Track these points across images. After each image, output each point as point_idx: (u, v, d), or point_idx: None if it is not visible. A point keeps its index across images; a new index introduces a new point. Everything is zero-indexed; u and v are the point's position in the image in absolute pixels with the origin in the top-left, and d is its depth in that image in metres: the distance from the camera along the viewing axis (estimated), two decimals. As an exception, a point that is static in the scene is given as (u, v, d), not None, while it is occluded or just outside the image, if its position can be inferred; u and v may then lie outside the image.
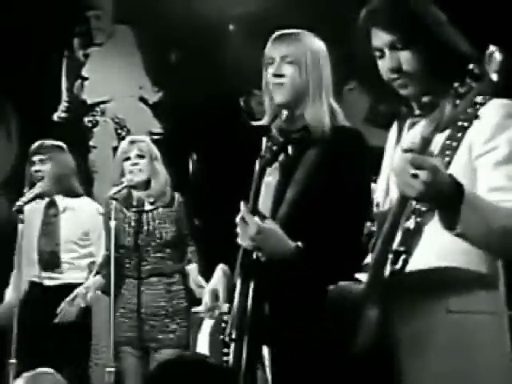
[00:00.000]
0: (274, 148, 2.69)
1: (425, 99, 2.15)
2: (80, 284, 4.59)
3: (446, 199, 1.86)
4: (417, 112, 2.17)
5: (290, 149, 2.77)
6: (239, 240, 2.63)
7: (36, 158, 4.66)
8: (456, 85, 1.86)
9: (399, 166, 1.85)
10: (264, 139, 2.73)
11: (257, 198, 2.66)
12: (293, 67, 2.74)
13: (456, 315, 2.03)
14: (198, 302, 4.65)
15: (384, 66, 2.13)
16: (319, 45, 2.81)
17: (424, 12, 2.12)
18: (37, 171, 4.64)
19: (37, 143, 4.73)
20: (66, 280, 4.63)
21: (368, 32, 2.15)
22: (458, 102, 1.85)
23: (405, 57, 2.10)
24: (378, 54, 2.14)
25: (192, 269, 4.50)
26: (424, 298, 2.04)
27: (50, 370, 3.31)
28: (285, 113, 2.77)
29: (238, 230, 2.62)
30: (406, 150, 1.85)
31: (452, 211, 1.87)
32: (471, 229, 1.89)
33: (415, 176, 1.81)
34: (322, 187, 2.66)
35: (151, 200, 4.42)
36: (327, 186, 2.66)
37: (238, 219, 2.62)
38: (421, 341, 2.04)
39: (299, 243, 2.62)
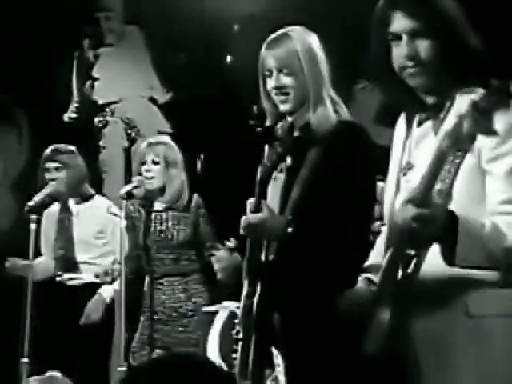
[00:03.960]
0: (274, 158, 2.71)
1: (430, 100, 2.14)
2: (101, 284, 4.61)
3: (441, 236, 1.92)
4: (425, 115, 2.16)
5: (289, 159, 2.79)
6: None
7: (51, 166, 4.63)
8: (476, 99, 1.84)
9: (402, 219, 1.92)
10: (266, 147, 2.76)
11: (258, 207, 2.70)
12: (291, 78, 2.74)
13: (475, 319, 2.02)
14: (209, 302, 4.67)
15: (399, 52, 2.10)
16: (311, 40, 2.80)
17: (451, 5, 2.10)
18: (52, 179, 4.62)
19: (50, 149, 4.69)
20: (85, 280, 4.65)
21: (387, 15, 2.11)
22: (477, 116, 1.83)
23: (423, 45, 2.07)
24: (393, 39, 2.11)
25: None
26: (441, 302, 2.04)
27: (59, 374, 3.32)
28: (288, 120, 2.79)
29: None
30: (408, 201, 1.91)
31: (447, 249, 1.92)
32: (469, 260, 1.93)
33: (416, 227, 1.89)
34: (326, 184, 2.67)
35: (163, 206, 4.41)
36: (331, 182, 2.66)
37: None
38: (440, 345, 2.03)
39: (289, 216, 2.65)
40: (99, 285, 4.60)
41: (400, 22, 2.09)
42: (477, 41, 2.10)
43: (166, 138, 4.58)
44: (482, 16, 2.26)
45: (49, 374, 3.44)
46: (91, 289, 4.59)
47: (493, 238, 1.95)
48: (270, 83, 2.77)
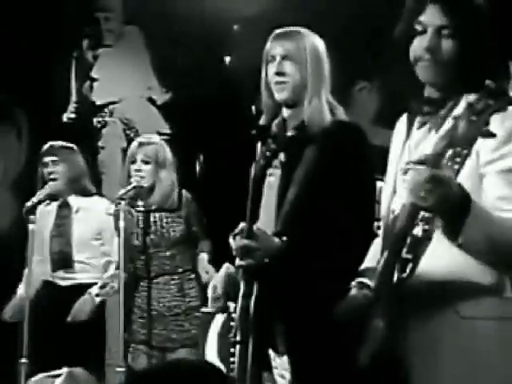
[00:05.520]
0: (268, 154, 2.71)
1: (435, 95, 2.15)
2: (94, 284, 4.61)
3: (453, 210, 1.89)
4: (426, 109, 2.17)
5: (282, 155, 2.79)
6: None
7: (48, 160, 4.67)
8: (472, 100, 1.84)
9: (413, 180, 1.88)
10: (259, 144, 2.76)
11: (254, 213, 2.69)
12: (293, 65, 2.76)
13: (468, 321, 2.02)
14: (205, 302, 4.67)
15: (421, 42, 2.10)
16: (318, 42, 2.84)
17: (484, 9, 2.09)
18: (50, 173, 4.65)
19: (48, 144, 4.74)
20: (79, 280, 4.65)
21: (422, 4, 2.10)
22: (474, 118, 1.84)
23: (446, 44, 2.07)
24: (419, 28, 2.10)
25: (202, 258, 4.46)
26: (434, 305, 2.04)
27: (81, 369, 3.32)
28: (285, 112, 2.79)
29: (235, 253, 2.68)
30: (420, 162, 1.88)
31: (456, 222, 1.89)
32: (474, 241, 1.91)
33: (429, 190, 1.84)
34: (322, 185, 2.67)
35: (154, 207, 4.42)
36: (328, 182, 2.67)
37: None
38: (432, 348, 2.03)
39: (284, 238, 2.65)
40: (93, 285, 4.61)
41: (432, 15, 2.08)
42: (497, 46, 2.10)
43: (157, 138, 4.59)
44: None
45: (66, 369, 3.45)
46: (85, 289, 4.60)
47: (501, 230, 1.94)
48: (271, 69, 2.78)
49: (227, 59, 6.16)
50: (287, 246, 2.64)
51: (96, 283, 4.60)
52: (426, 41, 2.08)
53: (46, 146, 4.74)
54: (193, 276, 4.42)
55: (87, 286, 4.60)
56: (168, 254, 4.37)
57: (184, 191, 4.46)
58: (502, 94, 1.83)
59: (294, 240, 2.64)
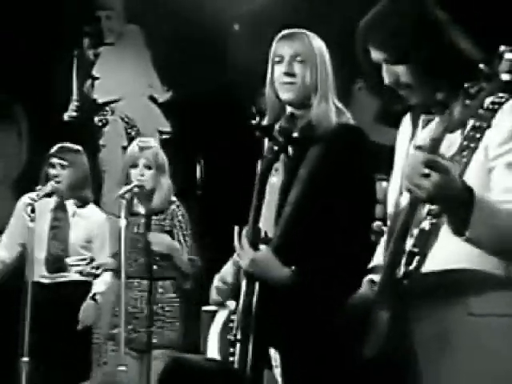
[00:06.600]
0: (275, 148, 2.70)
1: (439, 96, 2.14)
2: (86, 282, 4.64)
3: (456, 203, 1.86)
4: (432, 110, 2.17)
5: (290, 149, 2.78)
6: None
7: (56, 162, 4.66)
8: (466, 85, 1.85)
9: (410, 165, 1.86)
10: (266, 140, 2.75)
11: (258, 209, 2.68)
12: (303, 66, 2.76)
13: (477, 318, 2.01)
14: (206, 301, 4.66)
15: (384, 77, 2.13)
16: (323, 45, 2.84)
17: (412, 26, 2.10)
18: (55, 175, 4.64)
19: (58, 145, 4.73)
20: (70, 278, 4.67)
21: (365, 46, 2.14)
22: (468, 102, 1.85)
23: (400, 70, 2.10)
24: (379, 65, 2.13)
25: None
26: (443, 301, 2.03)
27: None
28: (289, 111, 2.79)
29: (237, 253, 2.68)
30: (417, 148, 1.87)
31: (462, 216, 1.87)
32: (481, 235, 1.89)
33: (426, 176, 1.82)
34: (324, 186, 2.67)
35: (149, 212, 4.39)
36: (329, 184, 2.67)
37: (235, 243, 2.67)
38: (442, 344, 2.02)
39: (293, 267, 2.64)
40: (81, 282, 4.64)
41: (375, 53, 2.13)
42: (465, 44, 2.09)
43: (154, 142, 4.57)
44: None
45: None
46: (74, 286, 4.64)
47: (508, 223, 1.92)
48: (279, 69, 2.77)
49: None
50: (297, 276, 2.64)
51: (86, 281, 4.62)
52: (385, 75, 2.12)
53: (56, 147, 4.72)
54: (167, 284, 4.37)
55: (78, 283, 4.64)
56: (143, 260, 4.35)
57: (174, 205, 4.40)
58: (494, 76, 1.84)
59: (299, 227, 2.64)
